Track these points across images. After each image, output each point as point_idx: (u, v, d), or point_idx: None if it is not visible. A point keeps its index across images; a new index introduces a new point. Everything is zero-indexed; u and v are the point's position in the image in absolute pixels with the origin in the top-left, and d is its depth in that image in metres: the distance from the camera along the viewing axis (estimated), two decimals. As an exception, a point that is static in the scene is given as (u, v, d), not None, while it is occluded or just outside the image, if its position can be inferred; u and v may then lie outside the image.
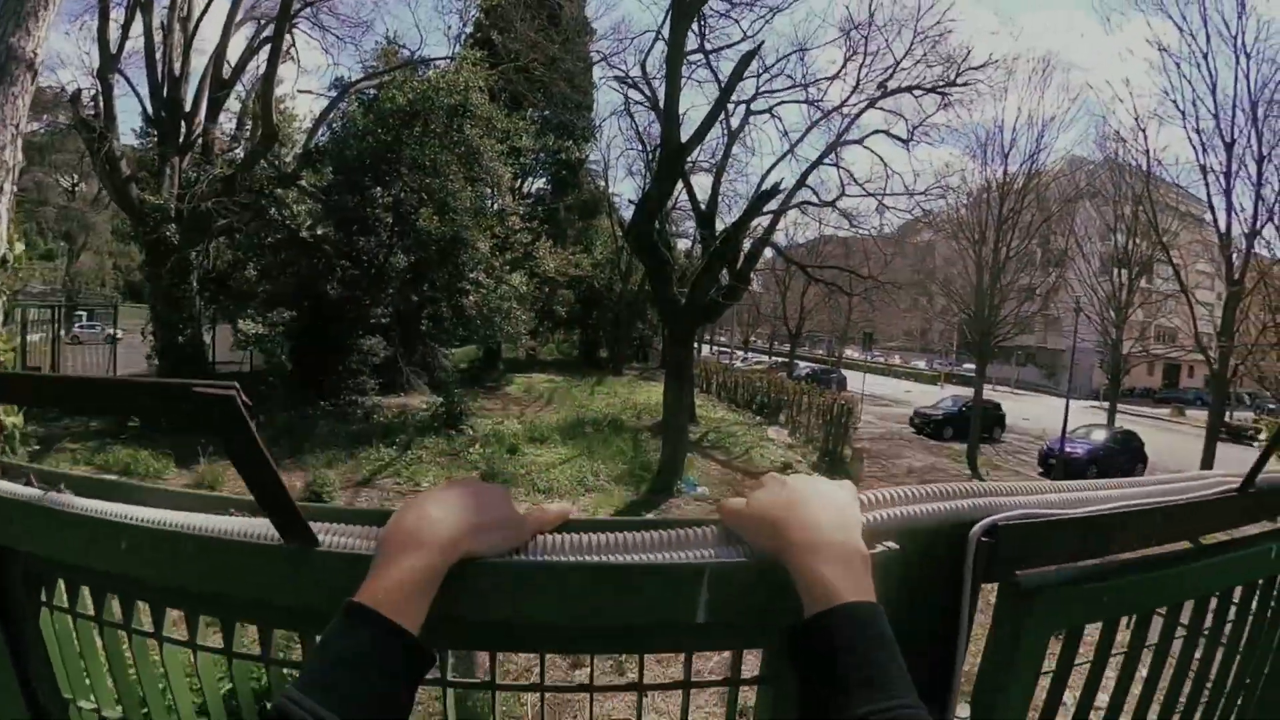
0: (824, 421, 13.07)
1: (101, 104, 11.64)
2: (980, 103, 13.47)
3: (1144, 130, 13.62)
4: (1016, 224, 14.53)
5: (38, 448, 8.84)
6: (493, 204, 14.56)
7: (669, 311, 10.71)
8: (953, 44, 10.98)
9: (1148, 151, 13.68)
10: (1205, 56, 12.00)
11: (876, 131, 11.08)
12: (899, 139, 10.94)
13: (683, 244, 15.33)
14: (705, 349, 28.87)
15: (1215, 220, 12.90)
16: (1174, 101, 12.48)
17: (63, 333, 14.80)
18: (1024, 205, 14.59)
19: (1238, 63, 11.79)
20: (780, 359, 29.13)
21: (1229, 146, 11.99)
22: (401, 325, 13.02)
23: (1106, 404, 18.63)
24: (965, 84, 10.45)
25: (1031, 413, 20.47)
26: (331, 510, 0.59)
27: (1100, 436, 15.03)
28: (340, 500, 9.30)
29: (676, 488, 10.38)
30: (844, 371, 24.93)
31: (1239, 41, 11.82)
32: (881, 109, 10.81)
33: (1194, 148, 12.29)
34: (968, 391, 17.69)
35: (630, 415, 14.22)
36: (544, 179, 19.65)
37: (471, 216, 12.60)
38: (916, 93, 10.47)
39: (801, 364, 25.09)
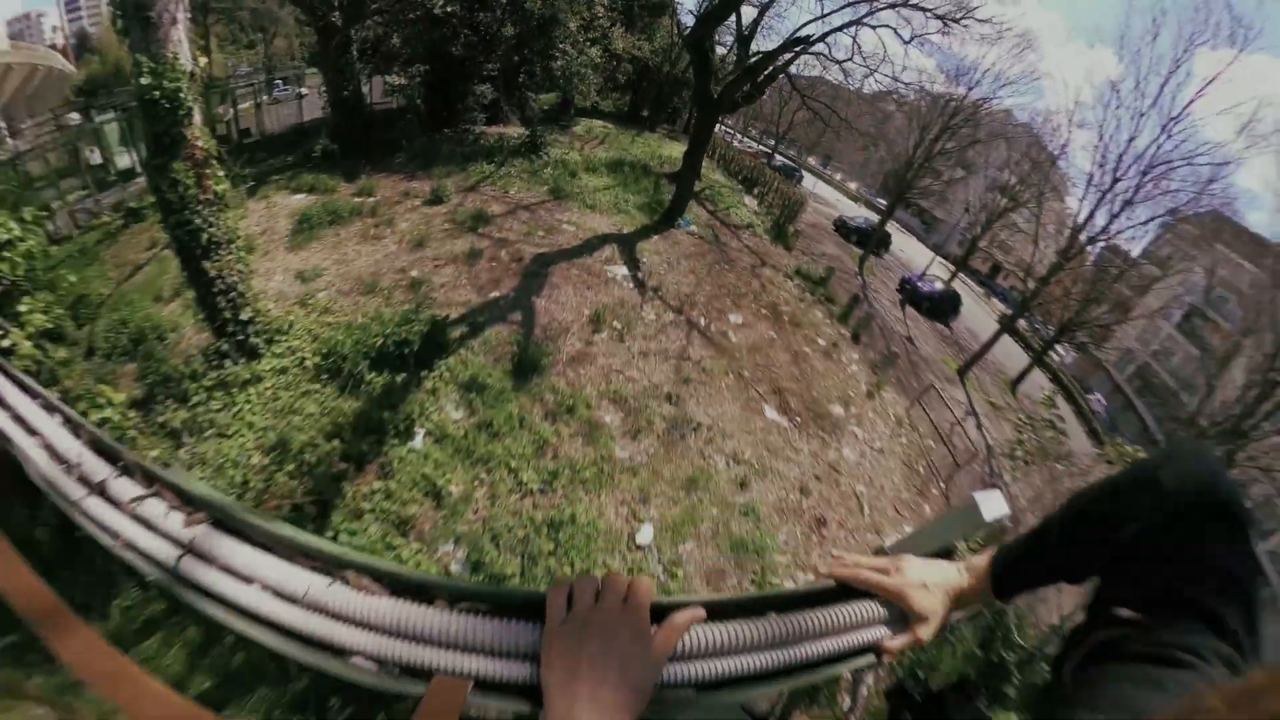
0: (782, 203, 16.47)
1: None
2: (969, 40, 14.63)
3: (1066, 124, 16.07)
4: (953, 131, 17.83)
5: (253, 184, 12.19)
6: (584, -6, 15.90)
7: (702, 100, 12.25)
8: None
9: (1065, 143, 16.13)
10: (1140, 117, 13.25)
11: (886, 26, 12.04)
12: (901, 37, 12.13)
13: (720, 50, 16.87)
14: (716, 127, 34.06)
15: (1077, 215, 15.51)
16: (1099, 126, 14.08)
17: (265, 97, 18.01)
18: (963, 122, 17.93)
19: (1161, 132, 13.14)
20: (765, 150, 32.92)
21: (1114, 182, 13.66)
22: (504, 77, 16.06)
23: (953, 268, 22.96)
24: (965, 25, 11.53)
25: (907, 248, 25.37)
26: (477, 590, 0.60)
27: (939, 286, 19.21)
28: (453, 199, 12.02)
29: (677, 223, 12.93)
30: (805, 173, 30.16)
31: (1166, 116, 12.99)
32: (898, 10, 11.62)
33: (1093, 162, 14.26)
34: (874, 217, 22.61)
35: (655, 163, 16.41)
36: (627, -21, 20.83)
37: (567, 2, 14.85)
38: (927, 13, 11.39)
39: (778, 158, 29.99)
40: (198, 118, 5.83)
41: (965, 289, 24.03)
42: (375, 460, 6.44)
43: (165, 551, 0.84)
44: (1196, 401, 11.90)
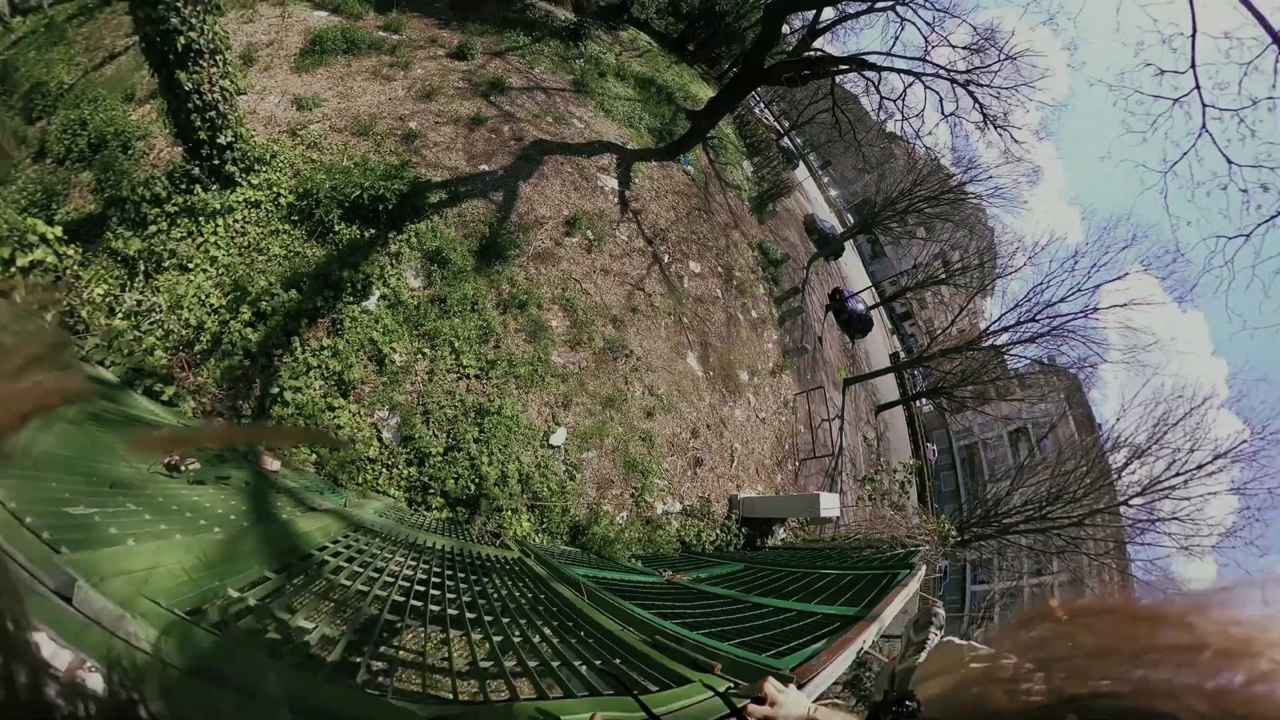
0: (773, 180, 15.75)
1: None
2: (994, 144, 14.14)
3: (1022, 254, 16.12)
4: (936, 200, 18.43)
5: None
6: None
7: (751, 65, 11.11)
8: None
9: (1013, 270, 16.57)
10: (1077, 292, 13.51)
11: (936, 92, 11.75)
12: (942, 108, 12.01)
13: (786, 30, 15.05)
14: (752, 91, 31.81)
15: (991, 322, 16.60)
16: (1046, 274, 14.42)
17: None
18: (949, 200, 18.46)
19: (1081, 311, 13.60)
20: (778, 128, 32.35)
21: (1029, 320, 14.43)
22: None
23: (879, 299, 24.54)
24: (999, 132, 11.61)
25: (852, 266, 26.07)
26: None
27: (861, 308, 19.97)
28: (477, 58, 10.35)
29: (679, 158, 12.04)
30: (802, 164, 29.95)
31: (1091, 304, 13.52)
32: (956, 85, 11.27)
33: (1024, 296, 14.79)
34: (840, 227, 23.33)
35: (681, 95, 15.02)
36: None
37: None
38: (977, 104, 11.32)
39: (786, 140, 29.44)
40: None
41: (880, 320, 25.18)
42: (328, 315, 5.92)
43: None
44: (994, 492, 13.82)
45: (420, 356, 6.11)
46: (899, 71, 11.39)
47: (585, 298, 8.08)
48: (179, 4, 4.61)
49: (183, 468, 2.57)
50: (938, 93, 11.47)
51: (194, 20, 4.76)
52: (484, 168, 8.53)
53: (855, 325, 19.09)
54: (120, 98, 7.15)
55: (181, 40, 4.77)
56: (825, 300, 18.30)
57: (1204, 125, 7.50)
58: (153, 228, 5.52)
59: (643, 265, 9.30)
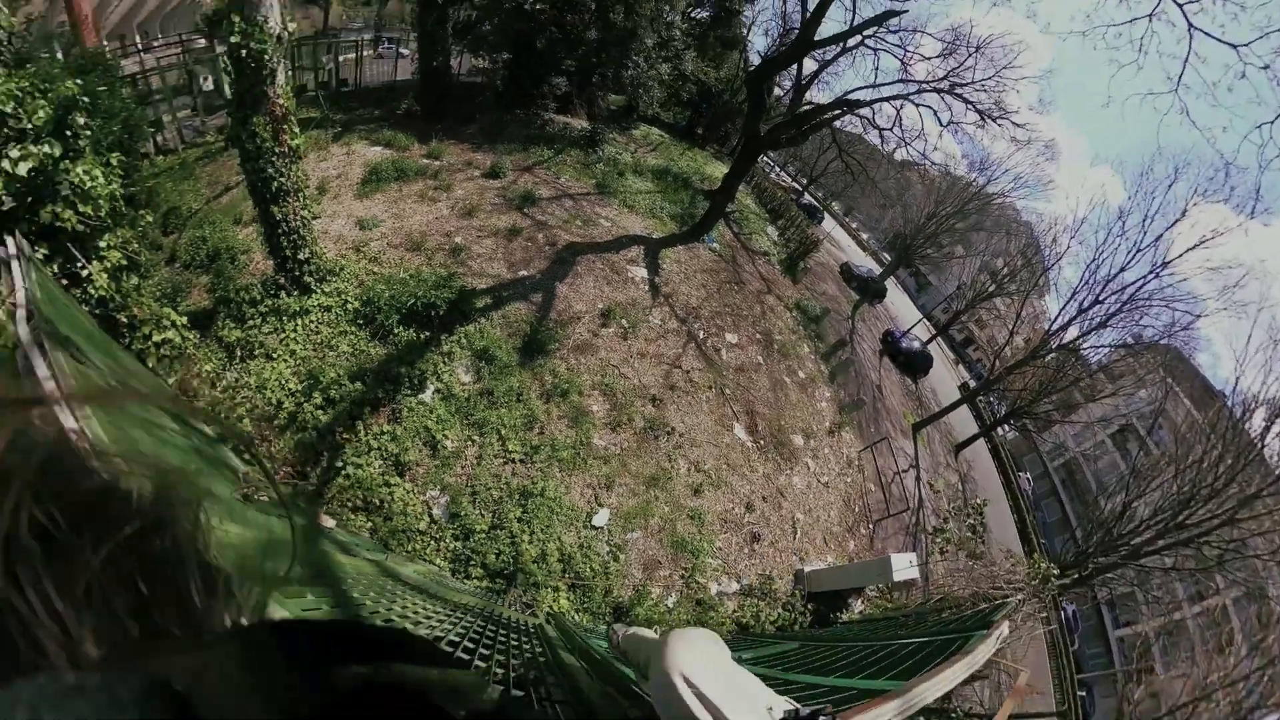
0: (799, 239, 15.73)
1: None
2: (1000, 137, 13.65)
3: (1065, 236, 14.76)
4: (963, 213, 17.14)
5: (340, 130, 12.05)
6: (666, 17, 15.15)
7: (750, 134, 11.67)
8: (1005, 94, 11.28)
9: (1061, 254, 15.10)
10: (1136, 251, 12.22)
11: (928, 107, 11.43)
12: (939, 120, 11.58)
13: (778, 92, 16.10)
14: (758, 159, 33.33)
15: (1053, 321, 14.73)
16: (1097, 248, 13.11)
17: (369, 51, 17.38)
18: (974, 209, 17.34)
19: (1150, 272, 12.16)
20: (796, 187, 32.17)
21: (1095, 303, 12.92)
22: (580, 75, 15.41)
23: (933, 330, 22.43)
24: (999, 123, 11.16)
25: (898, 304, 24.58)
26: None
27: (917, 345, 18.62)
28: (509, 175, 11.52)
29: (703, 238, 12.36)
30: (826, 215, 29.56)
31: (1159, 258, 12.05)
32: (942, 95, 11.08)
33: (1081, 279, 13.48)
34: (878, 268, 22.34)
35: (697, 178, 15.59)
36: (708, 12, 19.86)
37: (649, 20, 14.06)
38: (969, 105, 11.06)
39: (806, 197, 29.50)
40: (280, 78, 5.63)
41: (939, 352, 23.53)
42: (388, 405, 6.54)
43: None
44: (1108, 509, 11.05)
45: (470, 443, 6.62)
46: (887, 100, 11.43)
47: (624, 381, 8.26)
48: (274, 159, 5.87)
49: (245, 497, 3.15)
50: (930, 107, 11.29)
51: (283, 169, 6.02)
52: (523, 273, 9.38)
53: (914, 364, 17.89)
54: (231, 220, 8.84)
55: (275, 184, 6.03)
56: (878, 346, 17.51)
57: (1189, 25, 6.88)
58: (249, 323, 6.77)
59: (678, 344, 9.46)
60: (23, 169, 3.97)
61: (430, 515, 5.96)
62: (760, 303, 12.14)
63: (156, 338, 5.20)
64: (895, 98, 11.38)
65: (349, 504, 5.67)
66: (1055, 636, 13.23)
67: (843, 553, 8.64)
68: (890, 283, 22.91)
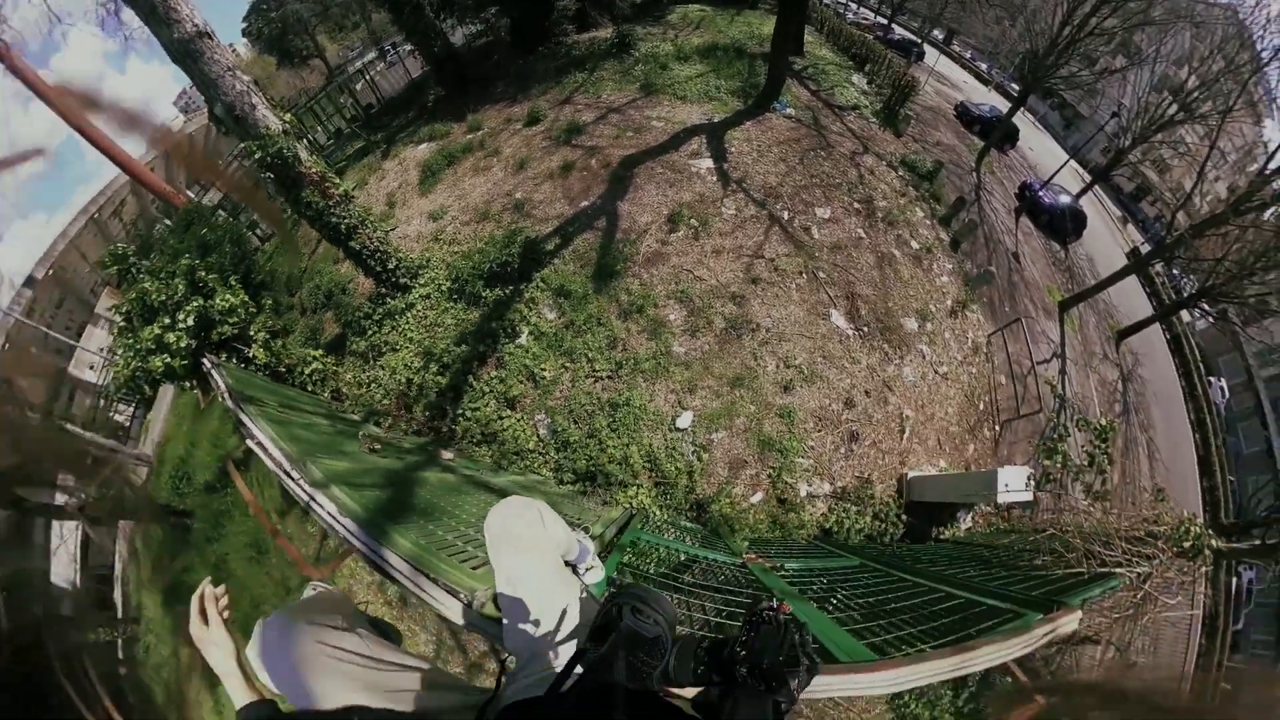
0: (893, 82, 12.53)
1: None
2: None
3: None
4: (1117, 4, 11.26)
5: (385, 147, 12.57)
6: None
7: None
8: None
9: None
10: None
11: None
12: None
13: None
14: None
15: (1273, 151, 9.44)
16: None
17: (380, 66, 18.67)
18: None
19: None
20: (881, 21, 24.80)
21: None
22: None
23: (1089, 179, 16.73)
24: None
25: (1039, 147, 19.04)
26: None
27: (1065, 200, 14.33)
28: (549, 116, 10.98)
29: (773, 106, 10.77)
30: (926, 47, 22.75)
31: None
32: None
33: None
34: (1004, 104, 16.31)
35: (754, 43, 13.26)
36: None
37: None
38: None
39: (896, 30, 23.55)
40: (303, 153, 6.45)
41: (1098, 208, 18.20)
42: (493, 355, 7.47)
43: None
44: None
45: (564, 369, 7.22)
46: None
47: (700, 284, 7.81)
48: (331, 210, 6.84)
49: (372, 449, 4.72)
50: None
51: (342, 213, 6.97)
52: (584, 204, 9.11)
53: (1061, 224, 13.98)
54: (330, 262, 10.24)
55: (342, 226, 7.03)
56: (1012, 203, 14.09)
57: None
58: (370, 331, 8.16)
59: (758, 232, 8.55)
60: (190, 320, 6.67)
61: (538, 435, 6.79)
62: (856, 165, 10.34)
63: (307, 371, 7.58)
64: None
65: (473, 439, 6.75)
66: (1218, 607, 9.88)
67: (959, 458, 7.60)
68: (1024, 120, 17.88)
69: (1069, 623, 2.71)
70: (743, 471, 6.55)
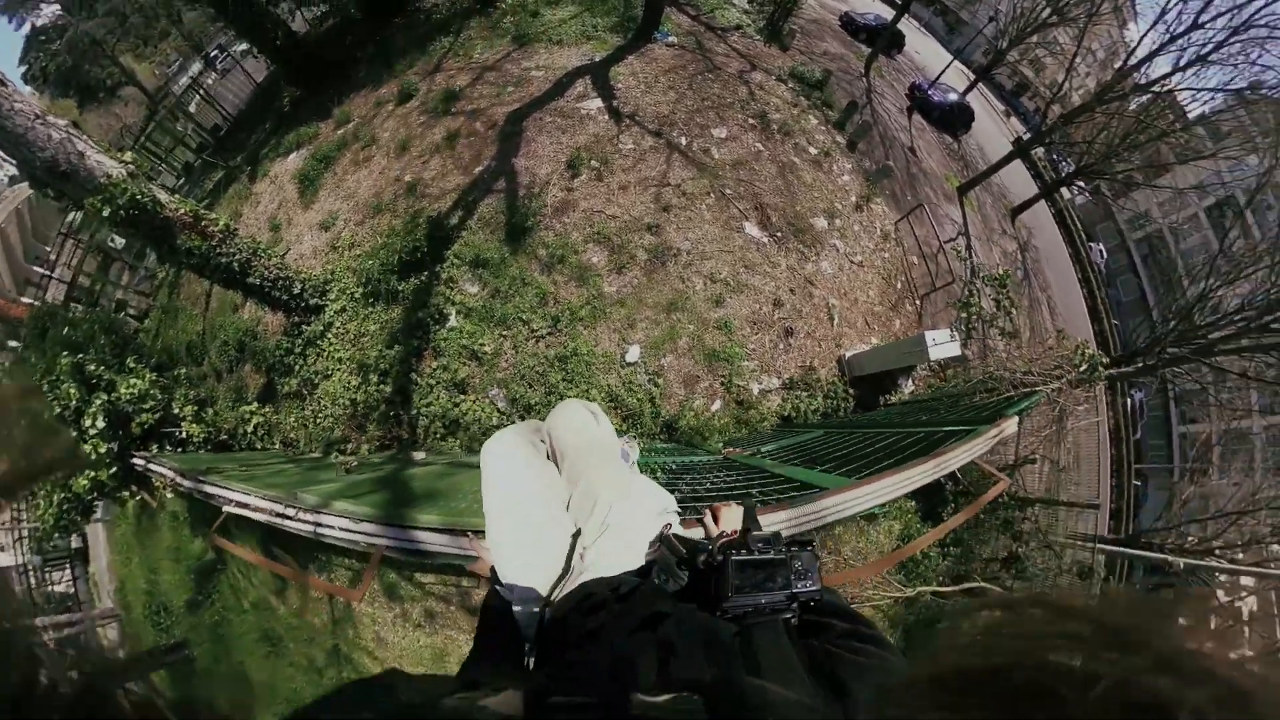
0: (775, 2, 12.50)
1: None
2: None
3: None
4: None
5: (250, 168, 10.90)
6: None
7: None
8: None
9: None
10: None
11: None
12: None
13: None
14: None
15: (1133, 50, 10.94)
16: None
17: (212, 76, 16.55)
18: None
19: None
20: None
21: (1192, 27, 9.46)
22: None
23: (973, 77, 17.91)
24: None
25: (925, 50, 20.13)
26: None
27: (953, 97, 15.28)
28: (421, 89, 10.11)
29: (654, 36, 10.58)
30: None
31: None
32: None
33: None
34: (889, 13, 17.09)
35: None
36: None
37: None
38: None
39: None
40: (162, 195, 5.71)
41: (983, 104, 19.46)
42: (428, 346, 7.06)
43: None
44: (1192, 292, 8.47)
45: (503, 339, 7.00)
46: None
47: (614, 223, 7.63)
48: (216, 251, 6.14)
49: (349, 470, 4.78)
50: None
51: (228, 250, 6.27)
52: (479, 169, 8.56)
53: (952, 119, 15.00)
54: (230, 312, 9.30)
55: (233, 264, 6.35)
56: (904, 104, 14.73)
57: None
58: (296, 367, 7.59)
59: (660, 161, 8.41)
60: (100, 423, 5.80)
61: (497, 409, 6.64)
62: (745, 84, 10.33)
63: (249, 428, 7.24)
64: None
65: (437, 435, 6.55)
66: (1119, 422, 12.55)
67: (889, 333, 8.18)
68: (909, 26, 18.56)
69: (1010, 425, 3.56)
70: (698, 385, 6.79)
